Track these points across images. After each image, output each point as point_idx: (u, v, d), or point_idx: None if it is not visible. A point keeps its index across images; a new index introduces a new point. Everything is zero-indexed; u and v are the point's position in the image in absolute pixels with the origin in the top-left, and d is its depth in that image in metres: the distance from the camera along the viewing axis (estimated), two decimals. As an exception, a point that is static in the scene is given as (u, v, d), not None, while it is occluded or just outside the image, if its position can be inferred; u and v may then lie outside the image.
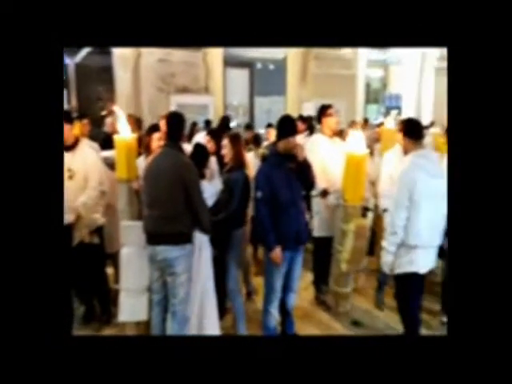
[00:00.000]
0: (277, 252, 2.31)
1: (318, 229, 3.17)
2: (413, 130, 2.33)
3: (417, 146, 2.29)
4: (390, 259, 2.24)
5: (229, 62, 6.66)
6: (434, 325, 2.88)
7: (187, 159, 2.24)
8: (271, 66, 7.76)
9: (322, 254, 3.14)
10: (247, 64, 7.32)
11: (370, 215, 3.82)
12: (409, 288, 2.29)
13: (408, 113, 8.56)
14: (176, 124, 2.21)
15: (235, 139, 2.62)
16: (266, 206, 2.33)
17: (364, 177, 2.89)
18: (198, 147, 2.42)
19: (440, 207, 2.23)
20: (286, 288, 2.49)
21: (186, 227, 2.17)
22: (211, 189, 2.48)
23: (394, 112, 8.31)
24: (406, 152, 2.40)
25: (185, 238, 2.17)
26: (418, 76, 8.62)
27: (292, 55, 7.47)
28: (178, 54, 5.71)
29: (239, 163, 2.58)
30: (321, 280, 3.20)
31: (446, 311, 2.87)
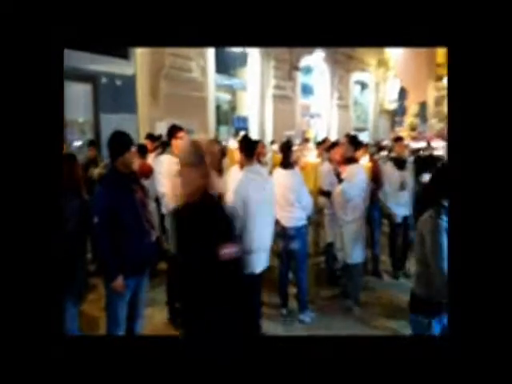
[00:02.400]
0: (119, 281, 2.18)
1: (174, 246, 3.16)
2: (246, 148, 2.62)
3: (250, 162, 2.59)
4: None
5: (68, 75, 6.02)
6: (275, 316, 3.26)
7: None
8: (118, 82, 7.40)
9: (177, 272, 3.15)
10: (90, 78, 6.76)
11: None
12: (248, 288, 2.52)
13: (254, 133, 9.57)
14: None
15: (67, 160, 2.38)
16: (105, 231, 2.17)
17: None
18: None
19: (268, 215, 2.60)
20: (133, 316, 2.35)
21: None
22: None
23: (242, 133, 9.18)
24: (241, 167, 2.70)
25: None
26: (260, 101, 9.78)
27: (141, 72, 7.34)
28: None
29: (73, 187, 2.35)
30: (175, 299, 3.19)
31: (284, 305, 3.31)
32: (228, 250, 1.57)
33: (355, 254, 3.33)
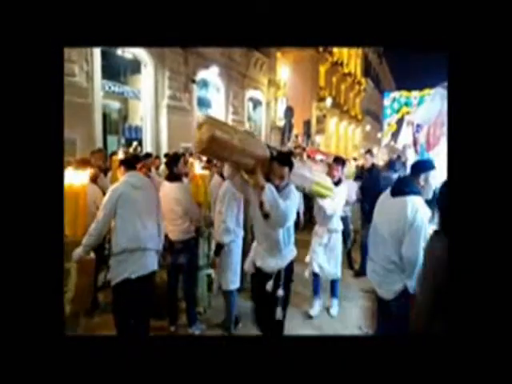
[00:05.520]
0: None
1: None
2: (126, 163, 2.71)
3: (129, 171, 2.65)
4: (79, 252, 2.44)
5: None
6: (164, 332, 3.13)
7: None
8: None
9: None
10: None
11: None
12: (124, 294, 2.45)
13: (148, 144, 9.20)
14: None
15: None
16: None
17: (85, 209, 2.83)
18: None
19: (148, 218, 2.58)
20: None
21: None
22: None
23: (134, 143, 8.71)
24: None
25: None
26: (154, 111, 9.48)
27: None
28: None
29: None
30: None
31: (173, 321, 3.21)
32: None
33: (229, 280, 2.98)
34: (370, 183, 4.89)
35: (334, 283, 3.69)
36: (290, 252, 2.42)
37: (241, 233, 3.05)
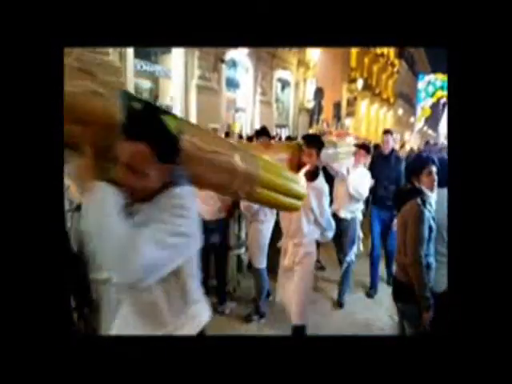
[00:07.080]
0: None
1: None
2: None
3: None
4: None
5: None
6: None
7: None
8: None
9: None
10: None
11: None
12: None
13: (177, 124, 9.27)
14: None
15: None
16: None
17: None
18: None
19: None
20: None
21: None
22: None
23: (164, 123, 8.81)
24: None
25: None
26: (183, 91, 9.50)
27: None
28: None
29: None
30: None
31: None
32: None
33: (261, 258, 3.03)
34: (388, 174, 3.76)
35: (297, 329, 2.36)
36: (191, 320, 1.21)
37: (272, 217, 3.12)
